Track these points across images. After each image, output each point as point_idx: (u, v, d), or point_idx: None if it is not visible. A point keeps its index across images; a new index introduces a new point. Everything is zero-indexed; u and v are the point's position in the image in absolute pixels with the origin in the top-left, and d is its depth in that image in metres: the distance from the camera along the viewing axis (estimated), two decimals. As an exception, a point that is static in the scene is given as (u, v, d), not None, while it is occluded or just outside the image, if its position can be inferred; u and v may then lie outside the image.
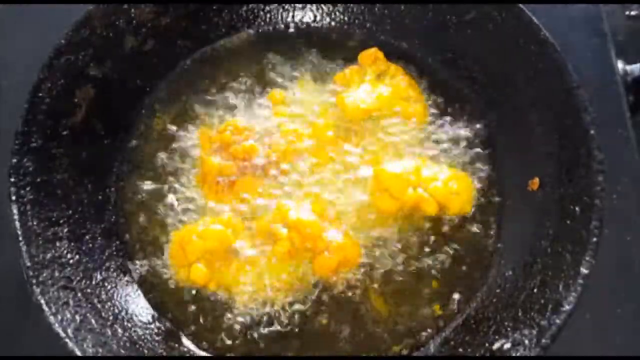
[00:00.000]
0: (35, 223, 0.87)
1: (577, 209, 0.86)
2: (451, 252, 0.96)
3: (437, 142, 1.04)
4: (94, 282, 0.90)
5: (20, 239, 0.84)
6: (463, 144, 1.04)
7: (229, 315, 0.92)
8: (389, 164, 0.97)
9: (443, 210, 0.96)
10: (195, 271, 0.92)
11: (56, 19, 1.14)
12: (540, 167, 0.95)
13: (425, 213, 0.95)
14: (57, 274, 0.86)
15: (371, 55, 1.08)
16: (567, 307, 0.79)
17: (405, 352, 0.91)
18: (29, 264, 0.83)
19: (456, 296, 0.94)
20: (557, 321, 0.79)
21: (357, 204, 0.98)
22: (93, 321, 0.85)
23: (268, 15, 1.16)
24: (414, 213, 0.97)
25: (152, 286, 0.95)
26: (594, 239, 0.82)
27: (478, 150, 1.04)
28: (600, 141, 0.86)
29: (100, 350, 0.82)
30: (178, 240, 0.94)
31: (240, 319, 0.92)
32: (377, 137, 1.03)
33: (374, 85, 1.06)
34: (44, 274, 0.84)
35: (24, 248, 0.84)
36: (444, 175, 0.96)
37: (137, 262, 0.97)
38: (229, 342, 0.91)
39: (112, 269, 0.94)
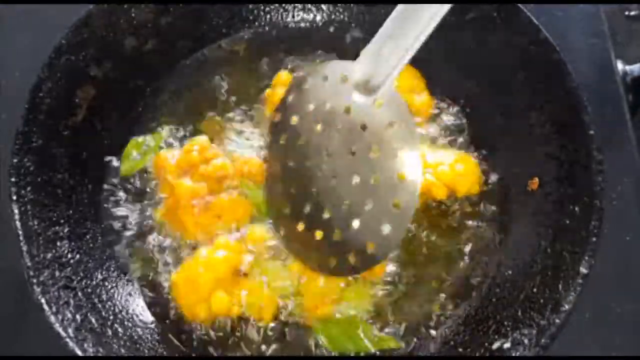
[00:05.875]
0: (35, 223, 0.87)
1: (576, 209, 0.86)
2: (450, 252, 0.96)
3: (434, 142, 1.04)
4: (94, 282, 0.90)
5: (21, 238, 0.84)
6: (462, 145, 1.04)
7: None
8: None
9: (452, 193, 0.97)
10: (217, 301, 0.86)
11: (56, 19, 1.15)
12: (540, 167, 0.95)
13: (435, 197, 0.96)
14: (57, 273, 0.86)
15: (371, 56, 1.08)
16: (566, 307, 0.79)
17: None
18: (29, 263, 0.83)
19: (456, 296, 0.94)
20: (557, 321, 0.79)
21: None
22: (93, 321, 0.85)
23: (268, 16, 1.16)
24: (422, 200, 0.96)
25: (152, 286, 0.95)
26: (594, 239, 0.82)
27: (477, 150, 1.03)
28: (599, 141, 0.87)
29: (101, 350, 0.82)
30: (182, 281, 0.88)
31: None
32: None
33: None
34: (45, 274, 0.84)
35: (24, 248, 0.84)
36: (449, 158, 0.96)
37: (138, 261, 0.97)
38: (227, 340, 0.91)
39: (112, 269, 0.94)
